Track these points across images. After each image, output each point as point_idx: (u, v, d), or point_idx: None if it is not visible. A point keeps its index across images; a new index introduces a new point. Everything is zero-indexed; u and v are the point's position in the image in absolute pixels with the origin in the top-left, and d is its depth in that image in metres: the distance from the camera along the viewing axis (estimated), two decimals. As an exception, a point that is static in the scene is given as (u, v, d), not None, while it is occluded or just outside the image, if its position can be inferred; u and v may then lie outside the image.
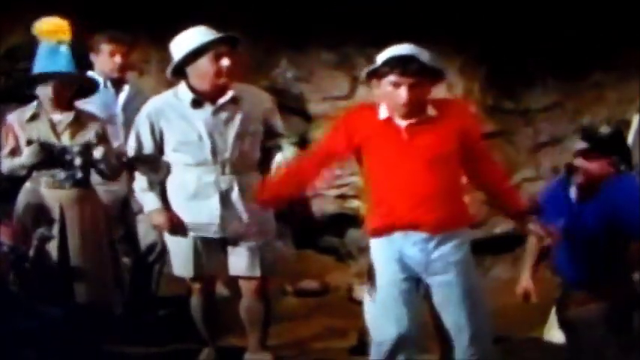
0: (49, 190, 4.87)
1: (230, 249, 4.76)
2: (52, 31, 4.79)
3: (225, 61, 4.55)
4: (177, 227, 4.78)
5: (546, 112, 6.67)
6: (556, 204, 4.34)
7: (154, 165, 4.76)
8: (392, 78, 3.90)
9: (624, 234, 4.27)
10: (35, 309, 4.76)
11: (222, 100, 4.64)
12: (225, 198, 4.67)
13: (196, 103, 4.63)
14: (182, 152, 4.69)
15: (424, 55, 3.94)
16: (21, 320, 4.70)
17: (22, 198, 4.92)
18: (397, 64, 3.89)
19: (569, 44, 6.39)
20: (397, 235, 4.00)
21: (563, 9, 6.19)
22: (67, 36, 4.82)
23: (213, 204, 4.67)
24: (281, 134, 4.86)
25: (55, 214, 4.86)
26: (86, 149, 4.81)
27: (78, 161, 4.80)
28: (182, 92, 4.66)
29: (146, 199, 4.83)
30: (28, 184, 4.91)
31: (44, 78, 4.83)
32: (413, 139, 3.95)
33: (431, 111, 3.98)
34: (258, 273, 4.75)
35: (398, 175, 3.96)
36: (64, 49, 4.82)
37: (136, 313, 5.49)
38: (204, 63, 4.55)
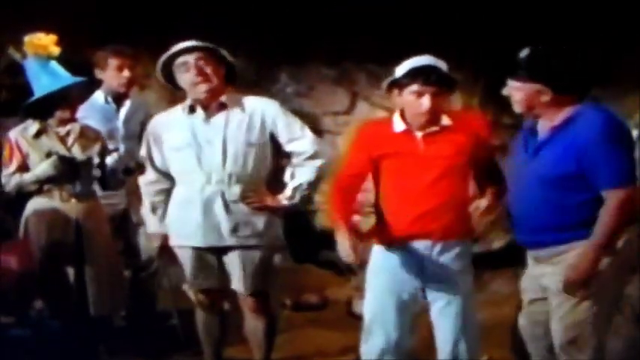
0: (64, 204, 4.91)
1: (224, 262, 4.73)
2: (43, 46, 4.81)
3: (194, 71, 4.55)
4: (165, 253, 4.84)
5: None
6: (520, 144, 4.03)
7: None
8: (414, 87, 4.05)
9: (584, 181, 3.78)
10: (31, 319, 4.80)
11: (212, 107, 4.63)
12: (208, 208, 4.61)
13: (191, 110, 4.65)
14: (174, 160, 4.69)
15: (442, 65, 4.10)
16: (14, 328, 4.74)
17: (33, 212, 4.93)
18: (419, 74, 4.04)
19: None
20: (402, 245, 4.11)
21: (560, 23, 6.22)
22: (56, 50, 4.85)
23: (196, 213, 4.62)
24: (297, 152, 4.66)
25: (71, 227, 4.88)
26: (102, 160, 4.85)
27: (97, 172, 4.83)
28: (186, 102, 4.70)
29: (148, 221, 4.88)
30: (38, 199, 4.93)
31: (65, 91, 4.85)
32: (429, 149, 4.09)
33: (445, 120, 4.12)
34: (239, 289, 4.70)
35: (412, 186, 4.08)
36: (54, 63, 4.85)
37: (134, 326, 5.50)
38: (180, 75, 4.60)
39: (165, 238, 4.79)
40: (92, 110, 5.36)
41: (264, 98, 4.87)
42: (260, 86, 6.81)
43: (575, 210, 3.80)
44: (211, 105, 4.62)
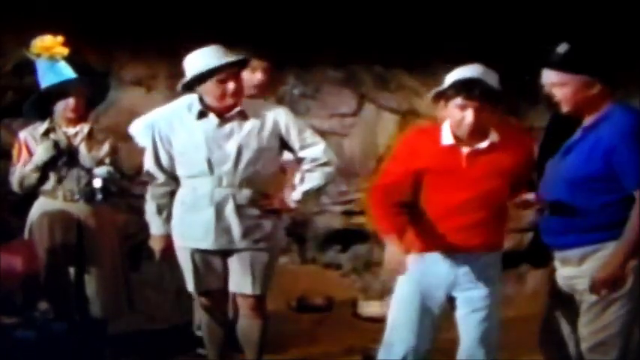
0: (68, 204, 4.93)
1: (229, 264, 4.76)
2: (47, 47, 4.84)
3: (230, 85, 4.53)
4: (167, 256, 4.84)
5: (550, 129, 6.68)
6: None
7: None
8: (458, 101, 3.95)
9: (615, 181, 3.75)
10: (35, 321, 4.81)
11: (228, 114, 4.63)
12: (219, 211, 4.63)
13: (202, 115, 4.63)
14: (182, 163, 4.69)
15: (490, 77, 3.99)
16: (18, 329, 4.75)
17: (38, 213, 4.95)
18: (463, 87, 3.95)
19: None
20: (433, 255, 4.11)
21: (565, 27, 6.22)
22: (62, 51, 4.87)
23: (207, 216, 4.63)
24: (310, 158, 4.68)
25: (73, 227, 4.91)
26: (90, 170, 4.88)
27: (84, 180, 4.86)
28: (194, 104, 4.69)
29: (152, 223, 4.85)
30: (43, 200, 4.95)
31: (64, 87, 4.87)
32: (471, 168, 4.03)
33: (493, 136, 4.04)
34: (248, 290, 4.71)
35: (448, 200, 4.04)
36: (62, 62, 4.88)
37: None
38: (210, 86, 4.55)
39: (169, 239, 4.80)
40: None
41: (274, 104, 4.90)
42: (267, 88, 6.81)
43: (602, 212, 3.79)
44: (228, 112, 4.62)
